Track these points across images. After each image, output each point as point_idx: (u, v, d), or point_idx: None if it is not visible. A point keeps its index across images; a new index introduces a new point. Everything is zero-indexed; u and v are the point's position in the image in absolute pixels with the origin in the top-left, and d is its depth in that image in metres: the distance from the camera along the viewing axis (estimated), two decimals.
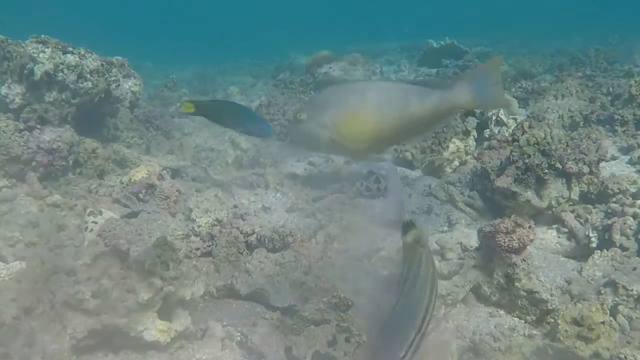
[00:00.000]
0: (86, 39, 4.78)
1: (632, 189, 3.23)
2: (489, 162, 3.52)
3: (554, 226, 3.20)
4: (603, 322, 2.03)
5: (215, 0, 33.93)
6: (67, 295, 2.02)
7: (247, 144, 4.94)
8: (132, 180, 3.39)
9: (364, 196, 3.84)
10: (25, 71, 3.92)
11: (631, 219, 2.88)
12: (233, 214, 3.14)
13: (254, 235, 2.92)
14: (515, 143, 3.44)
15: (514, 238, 2.41)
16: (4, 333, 1.91)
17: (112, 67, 4.55)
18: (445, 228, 3.38)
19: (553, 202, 3.20)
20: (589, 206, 3.21)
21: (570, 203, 3.24)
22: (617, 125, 4.77)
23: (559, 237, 3.13)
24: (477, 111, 5.24)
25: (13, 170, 3.28)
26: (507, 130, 4.76)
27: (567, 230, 3.12)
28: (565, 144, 3.29)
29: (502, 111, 4.90)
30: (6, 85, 3.89)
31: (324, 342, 2.10)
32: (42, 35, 4.18)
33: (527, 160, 3.18)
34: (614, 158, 4.16)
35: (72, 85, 4.02)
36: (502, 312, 2.50)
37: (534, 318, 2.43)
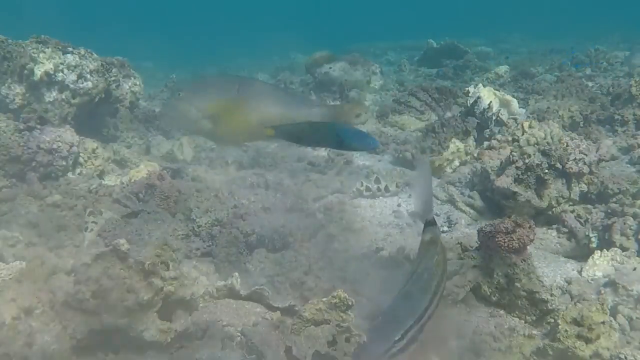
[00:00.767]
0: (86, 39, 4.79)
1: (632, 189, 3.23)
2: (489, 162, 3.52)
3: (554, 226, 3.20)
4: (603, 322, 2.03)
5: (216, 0, 33.97)
6: (67, 295, 2.02)
7: (247, 144, 4.94)
8: (132, 180, 3.39)
9: (364, 196, 3.85)
10: (25, 71, 3.92)
11: (631, 219, 2.88)
12: (233, 214, 3.14)
13: (254, 235, 2.92)
14: (515, 143, 3.45)
15: (514, 238, 2.41)
16: (4, 333, 1.91)
17: (112, 67, 4.55)
18: (445, 228, 3.38)
19: (553, 202, 3.20)
20: (589, 206, 3.21)
21: (570, 203, 3.24)
22: (617, 125, 4.78)
23: (559, 237, 3.13)
24: (477, 111, 5.25)
25: (13, 170, 3.28)
26: (507, 130, 4.76)
27: (567, 230, 3.12)
28: (565, 144, 3.29)
29: (502, 111, 4.91)
30: (6, 85, 3.89)
31: (324, 342, 2.10)
32: (42, 35, 4.18)
33: (527, 160, 3.18)
34: (614, 158, 4.16)
35: (72, 85, 4.03)
36: (502, 312, 2.50)
37: (534, 318, 2.42)
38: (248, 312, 2.49)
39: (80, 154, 3.52)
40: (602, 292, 2.45)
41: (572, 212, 3.19)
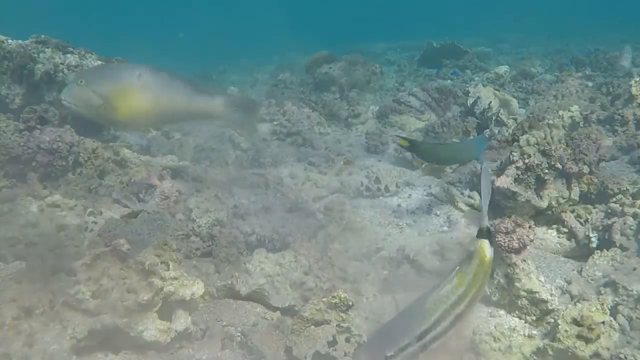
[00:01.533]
0: (86, 39, 4.79)
1: (632, 189, 3.23)
2: (489, 162, 3.52)
3: (554, 226, 3.20)
4: (603, 322, 2.03)
5: (216, 0, 33.98)
6: (67, 295, 2.02)
7: (247, 144, 4.94)
8: (132, 180, 3.39)
9: (364, 196, 3.85)
10: (25, 71, 3.92)
11: (631, 219, 2.88)
12: (233, 214, 3.14)
13: (254, 235, 2.92)
14: (515, 143, 3.45)
15: (514, 238, 2.41)
16: (4, 333, 1.91)
17: None
18: (445, 228, 3.38)
19: (553, 202, 3.20)
20: (589, 206, 3.21)
21: (570, 203, 3.24)
22: (617, 125, 4.77)
23: (559, 237, 3.13)
24: (478, 111, 5.26)
25: (13, 170, 3.28)
26: (507, 130, 4.76)
27: (567, 230, 3.12)
28: (565, 144, 3.29)
29: (502, 111, 4.91)
30: (6, 85, 3.89)
31: (324, 342, 2.10)
32: (42, 35, 4.18)
33: (527, 160, 3.18)
34: (614, 158, 4.16)
35: None
36: (502, 312, 2.50)
37: (534, 318, 2.42)
38: (248, 312, 2.49)
39: (80, 154, 3.52)
40: (602, 292, 2.45)
41: (572, 212, 3.19)
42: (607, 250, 2.73)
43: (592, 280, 2.61)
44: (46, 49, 4.04)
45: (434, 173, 4.19)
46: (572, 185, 3.24)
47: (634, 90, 5.07)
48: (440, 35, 10.54)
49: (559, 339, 2.03)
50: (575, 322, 2.04)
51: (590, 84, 6.47)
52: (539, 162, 3.17)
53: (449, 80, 8.05)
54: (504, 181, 3.22)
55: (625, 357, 1.96)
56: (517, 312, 2.46)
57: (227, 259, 2.79)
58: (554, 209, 3.22)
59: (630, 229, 2.83)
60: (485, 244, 1.93)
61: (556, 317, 2.27)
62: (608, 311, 2.12)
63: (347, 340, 2.11)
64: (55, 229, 2.85)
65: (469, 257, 1.92)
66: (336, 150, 4.96)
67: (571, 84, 6.05)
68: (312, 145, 5.12)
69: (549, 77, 7.73)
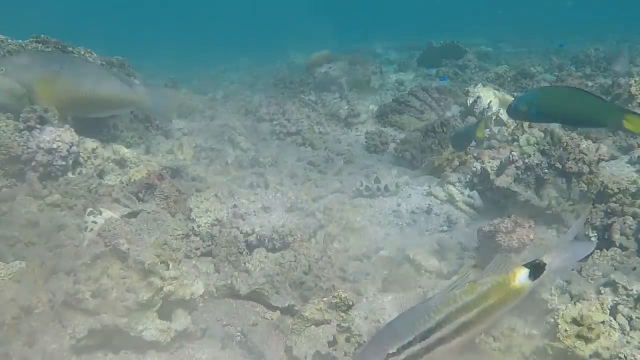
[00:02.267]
0: (86, 39, 4.79)
1: (632, 189, 3.23)
2: (489, 162, 3.52)
3: (554, 226, 3.20)
4: (603, 322, 2.03)
5: (217, 0, 33.99)
6: (67, 295, 2.02)
7: (247, 144, 4.94)
8: (132, 180, 3.39)
9: (364, 196, 3.84)
10: None
11: (631, 219, 2.88)
12: (233, 214, 3.14)
13: (254, 235, 2.92)
14: (515, 143, 3.45)
15: (514, 238, 2.41)
16: (4, 333, 1.91)
17: (112, 67, 4.55)
18: (445, 228, 3.38)
19: (553, 202, 3.20)
20: (589, 206, 3.21)
21: (570, 203, 3.24)
22: None
23: (559, 237, 3.13)
24: (477, 111, 5.26)
25: (13, 170, 3.27)
26: (507, 130, 4.76)
27: (567, 230, 3.12)
28: (565, 144, 3.29)
29: (502, 111, 4.90)
30: None
31: (325, 343, 2.10)
32: (42, 35, 4.18)
33: (527, 160, 3.18)
34: (614, 158, 4.16)
35: None
36: None
37: (534, 318, 2.42)
38: (248, 312, 2.49)
39: (80, 154, 3.52)
40: (602, 292, 2.44)
41: (572, 212, 3.19)
42: (607, 250, 2.73)
43: (592, 280, 2.61)
44: (46, 49, 4.04)
45: (434, 173, 4.19)
46: (572, 185, 3.24)
47: (633, 90, 5.06)
48: (440, 36, 10.53)
49: (559, 339, 2.03)
50: (575, 322, 2.04)
51: (590, 84, 6.46)
52: (539, 162, 3.17)
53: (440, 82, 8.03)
54: (504, 181, 3.22)
55: (625, 357, 1.96)
56: (516, 312, 2.46)
57: (227, 259, 2.79)
58: (554, 209, 3.22)
59: (630, 229, 2.83)
60: (522, 272, 1.92)
61: (556, 317, 2.27)
62: (608, 311, 2.12)
63: (348, 340, 2.12)
64: (55, 229, 2.85)
65: (493, 271, 1.90)
66: (336, 150, 4.96)
67: (571, 84, 6.05)
68: (312, 145, 5.12)
69: (549, 77, 7.73)
